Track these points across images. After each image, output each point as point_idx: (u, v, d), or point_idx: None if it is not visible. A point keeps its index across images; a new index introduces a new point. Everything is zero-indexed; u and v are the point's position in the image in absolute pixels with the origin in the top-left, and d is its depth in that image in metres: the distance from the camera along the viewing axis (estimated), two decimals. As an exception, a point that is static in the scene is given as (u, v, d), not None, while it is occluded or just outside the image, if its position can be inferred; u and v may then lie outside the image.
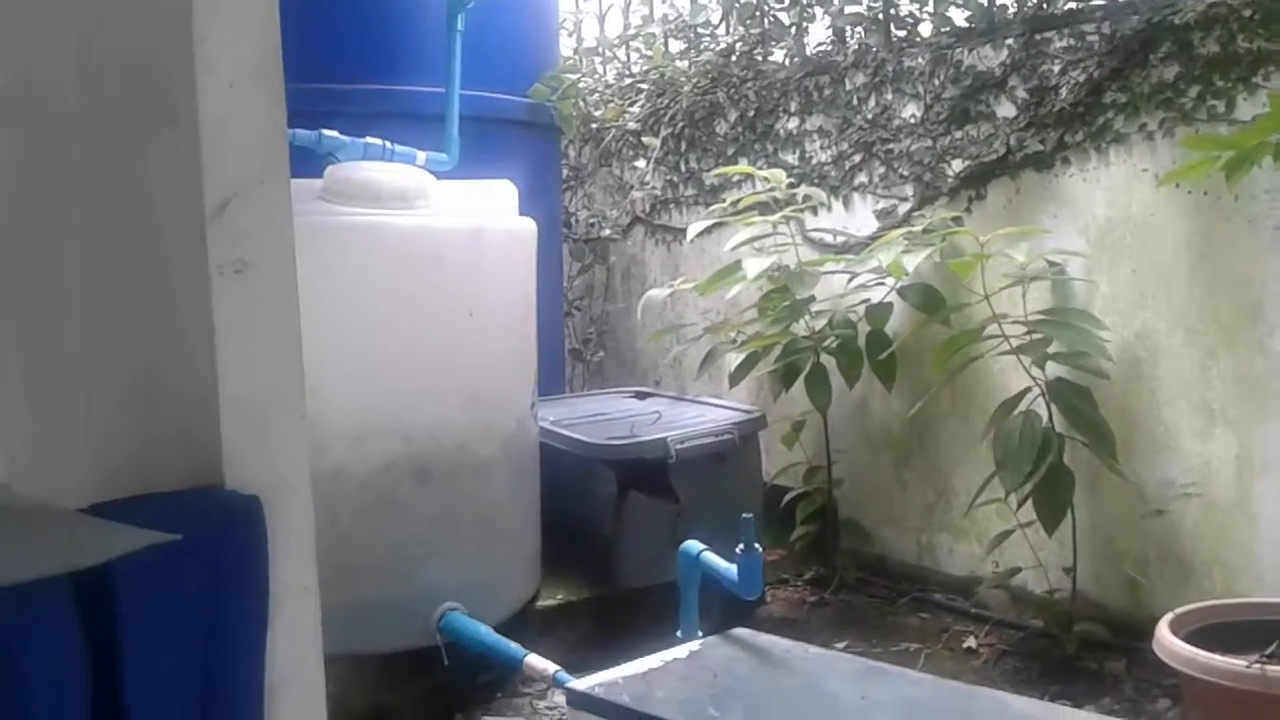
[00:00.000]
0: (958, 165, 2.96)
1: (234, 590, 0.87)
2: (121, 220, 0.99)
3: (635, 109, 4.16)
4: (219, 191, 0.92)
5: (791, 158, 3.49)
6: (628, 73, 4.44)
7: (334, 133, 2.69)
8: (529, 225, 2.71)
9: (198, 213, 0.92)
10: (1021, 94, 2.79)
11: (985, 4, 2.96)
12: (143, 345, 0.97)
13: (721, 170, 3.62)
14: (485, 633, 2.34)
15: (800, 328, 3.12)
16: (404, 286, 2.40)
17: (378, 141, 2.73)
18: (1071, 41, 2.67)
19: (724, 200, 3.36)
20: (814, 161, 3.41)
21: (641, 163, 4.06)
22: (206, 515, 0.87)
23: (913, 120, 3.09)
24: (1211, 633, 2.08)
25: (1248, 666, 1.89)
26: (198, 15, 0.92)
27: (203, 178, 0.91)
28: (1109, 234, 2.62)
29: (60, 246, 1.01)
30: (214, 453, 0.91)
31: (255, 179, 0.94)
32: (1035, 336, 2.56)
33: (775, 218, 3.12)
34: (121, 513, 0.82)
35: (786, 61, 3.66)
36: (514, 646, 2.27)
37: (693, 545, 2.37)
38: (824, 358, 3.09)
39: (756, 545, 2.22)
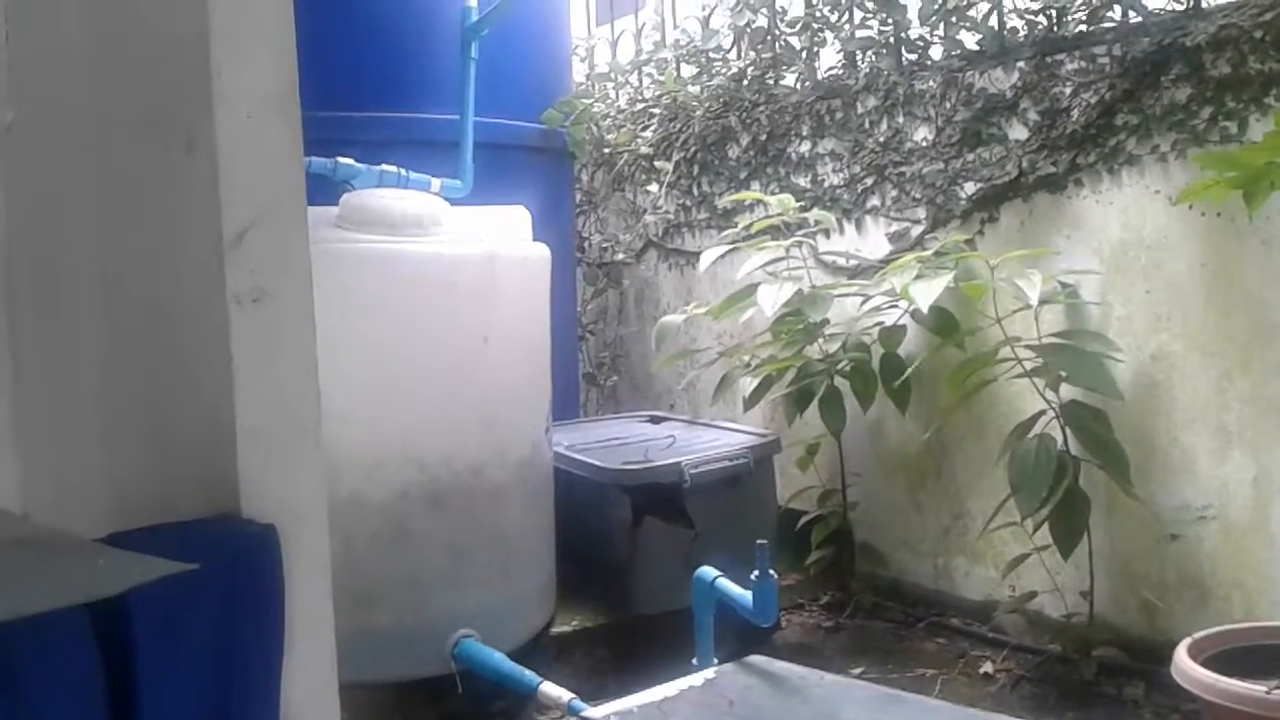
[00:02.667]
0: (970, 188, 2.96)
1: (250, 619, 0.87)
2: (138, 250, 0.99)
3: (648, 134, 4.18)
4: (237, 221, 0.92)
5: (804, 181, 3.50)
6: (640, 98, 4.45)
7: (349, 160, 2.71)
8: (543, 250, 2.71)
9: (215, 242, 0.92)
10: (1033, 116, 2.79)
11: (996, 27, 2.97)
12: (160, 375, 0.97)
13: (733, 197, 3.63)
14: (500, 660, 2.34)
15: (814, 351, 3.12)
16: (419, 313, 2.41)
17: (392, 169, 2.75)
18: (1083, 64, 2.68)
19: (736, 224, 3.37)
20: (826, 185, 3.42)
21: (654, 187, 4.07)
22: (222, 545, 0.87)
23: (924, 143, 3.10)
24: (1231, 657, 2.07)
25: (1268, 692, 1.88)
26: (215, 45, 0.92)
27: (220, 207, 0.92)
28: (1122, 256, 2.62)
29: (77, 275, 1.02)
30: (230, 482, 0.91)
31: (273, 208, 0.94)
32: (1049, 359, 2.55)
33: (788, 242, 3.13)
34: (138, 542, 0.82)
35: (798, 85, 3.67)
36: (528, 674, 2.26)
37: (707, 572, 2.37)
38: (838, 381, 3.09)
39: (771, 572, 2.22)
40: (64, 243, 1.03)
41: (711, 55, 4.07)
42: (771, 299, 2.93)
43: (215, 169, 0.92)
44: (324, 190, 2.60)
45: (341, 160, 2.70)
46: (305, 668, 0.94)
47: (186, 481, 0.93)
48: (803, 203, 3.31)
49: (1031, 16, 2.90)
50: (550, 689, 2.20)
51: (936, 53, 3.21)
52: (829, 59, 3.60)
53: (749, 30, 3.82)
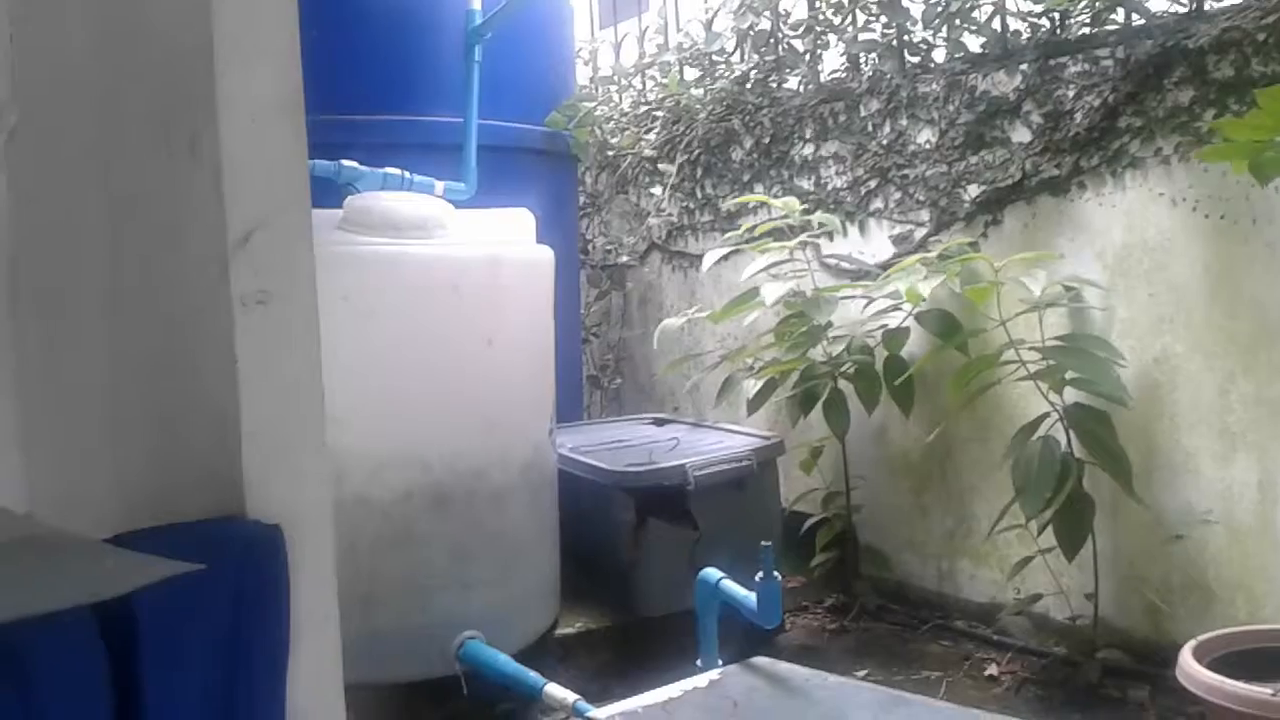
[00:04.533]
0: (973, 190, 2.96)
1: (255, 620, 0.88)
2: (143, 252, 1.00)
3: (651, 136, 4.18)
4: (241, 223, 0.93)
5: (807, 184, 3.50)
6: (643, 101, 4.46)
7: (353, 163, 2.72)
8: (546, 253, 2.72)
9: (220, 244, 0.92)
10: (1036, 119, 2.80)
11: (999, 30, 2.97)
12: (165, 376, 0.98)
13: (737, 200, 3.63)
14: (504, 662, 2.34)
15: (818, 353, 3.12)
16: (423, 315, 2.41)
17: (396, 171, 2.75)
18: (1086, 66, 2.68)
19: (740, 227, 3.37)
20: (830, 187, 3.42)
21: (658, 190, 4.07)
22: (228, 545, 0.88)
23: (928, 146, 3.10)
24: (1235, 660, 2.07)
25: (1273, 695, 1.88)
26: (219, 47, 0.93)
27: (225, 210, 0.92)
28: (1126, 258, 2.62)
29: (81, 277, 1.02)
30: (235, 482, 0.91)
31: (277, 210, 0.95)
32: (1052, 362, 2.55)
33: (792, 244, 3.13)
34: (144, 543, 0.82)
35: (801, 88, 3.67)
36: (533, 675, 2.26)
37: (711, 573, 2.37)
38: (842, 383, 3.09)
39: (775, 573, 2.22)
40: (68, 245, 1.03)
41: (715, 58, 4.08)
42: (774, 291, 2.94)
43: (219, 172, 0.93)
44: (328, 193, 2.61)
45: (345, 163, 2.71)
46: (310, 668, 0.94)
47: (191, 482, 0.93)
48: (806, 205, 3.31)
49: (1034, 19, 2.91)
50: (555, 690, 2.20)
51: (939, 55, 3.21)
52: (832, 62, 3.60)
53: (752, 33, 3.82)
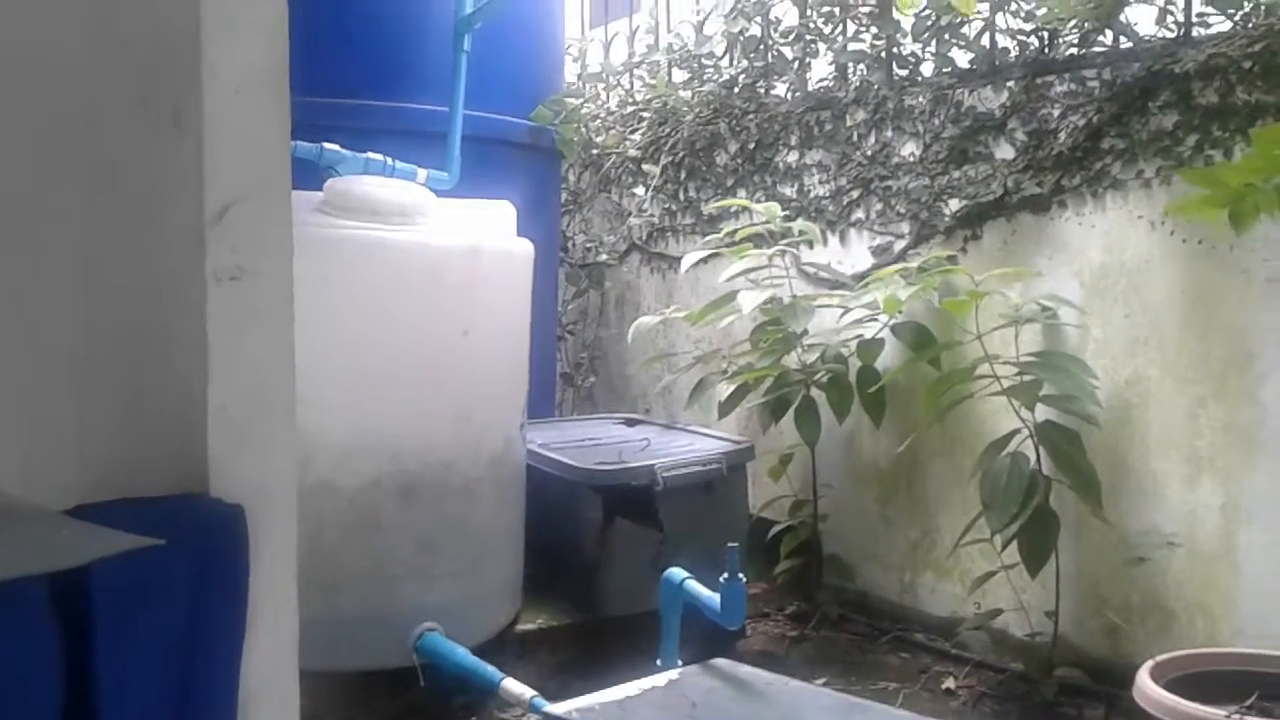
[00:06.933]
0: (954, 205, 2.97)
1: (213, 599, 0.86)
2: (119, 222, 0.98)
3: (636, 136, 4.18)
4: (220, 197, 0.91)
5: (790, 191, 3.50)
6: (630, 100, 4.45)
7: (335, 146, 2.69)
8: (526, 246, 2.71)
9: (197, 217, 0.91)
10: (1020, 136, 2.81)
11: (987, 46, 2.98)
12: (134, 348, 0.96)
13: (720, 203, 3.63)
14: (462, 655, 2.33)
15: (792, 361, 3.12)
16: (399, 302, 2.40)
17: (379, 157, 2.73)
18: (1072, 86, 2.69)
19: (721, 230, 3.37)
20: (812, 195, 3.42)
21: (640, 190, 4.07)
22: (189, 522, 0.87)
23: (911, 158, 3.11)
24: (1192, 682, 2.08)
25: (1227, 717, 1.89)
26: (206, 19, 0.92)
27: (204, 182, 0.91)
28: (1103, 279, 2.63)
29: (56, 245, 1.01)
30: (199, 460, 0.90)
31: (257, 186, 0.94)
32: (1026, 378, 2.56)
33: (771, 251, 3.13)
34: (103, 516, 0.81)
35: (788, 95, 3.68)
36: (491, 669, 2.25)
37: (676, 573, 2.37)
38: (814, 392, 3.09)
39: (740, 575, 2.22)
40: (43, 211, 1.02)
41: (704, 61, 4.07)
42: (752, 300, 2.94)
43: (200, 144, 0.92)
44: (309, 176, 2.58)
45: (328, 146, 2.68)
46: (266, 652, 0.93)
47: (155, 457, 0.92)
48: (788, 212, 3.31)
49: (1023, 37, 2.91)
50: (512, 685, 2.19)
51: (927, 69, 3.22)
52: (820, 70, 3.61)
53: (742, 38, 3.82)
